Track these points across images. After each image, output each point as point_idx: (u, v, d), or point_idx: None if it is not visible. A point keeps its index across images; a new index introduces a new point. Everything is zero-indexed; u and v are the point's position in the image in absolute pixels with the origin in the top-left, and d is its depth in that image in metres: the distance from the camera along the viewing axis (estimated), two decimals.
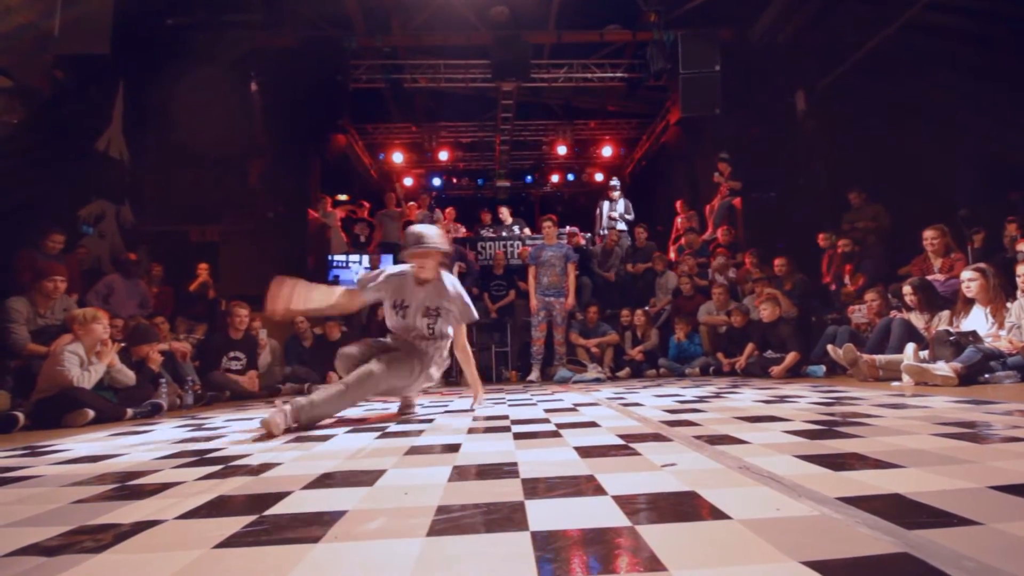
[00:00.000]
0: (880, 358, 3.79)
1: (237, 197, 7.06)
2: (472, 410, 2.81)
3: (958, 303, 3.68)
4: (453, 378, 5.85)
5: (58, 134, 5.65)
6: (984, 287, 3.49)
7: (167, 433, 2.53)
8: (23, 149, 5.19)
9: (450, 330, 2.79)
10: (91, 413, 3.09)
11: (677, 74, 7.34)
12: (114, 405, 3.30)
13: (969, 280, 3.54)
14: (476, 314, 2.82)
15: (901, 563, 0.71)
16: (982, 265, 3.61)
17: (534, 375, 5.61)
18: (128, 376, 3.50)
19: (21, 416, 2.97)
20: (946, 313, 3.84)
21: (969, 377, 3.12)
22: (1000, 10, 4.93)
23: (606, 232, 7.87)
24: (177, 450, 1.97)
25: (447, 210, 9.25)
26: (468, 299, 2.76)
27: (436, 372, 2.79)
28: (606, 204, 8.41)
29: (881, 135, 6.04)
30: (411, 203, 9.63)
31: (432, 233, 2.65)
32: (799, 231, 6.52)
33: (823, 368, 4.55)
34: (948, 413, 2.02)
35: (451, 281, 2.73)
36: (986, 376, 3.18)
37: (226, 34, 6.97)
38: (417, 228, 2.67)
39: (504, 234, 8.42)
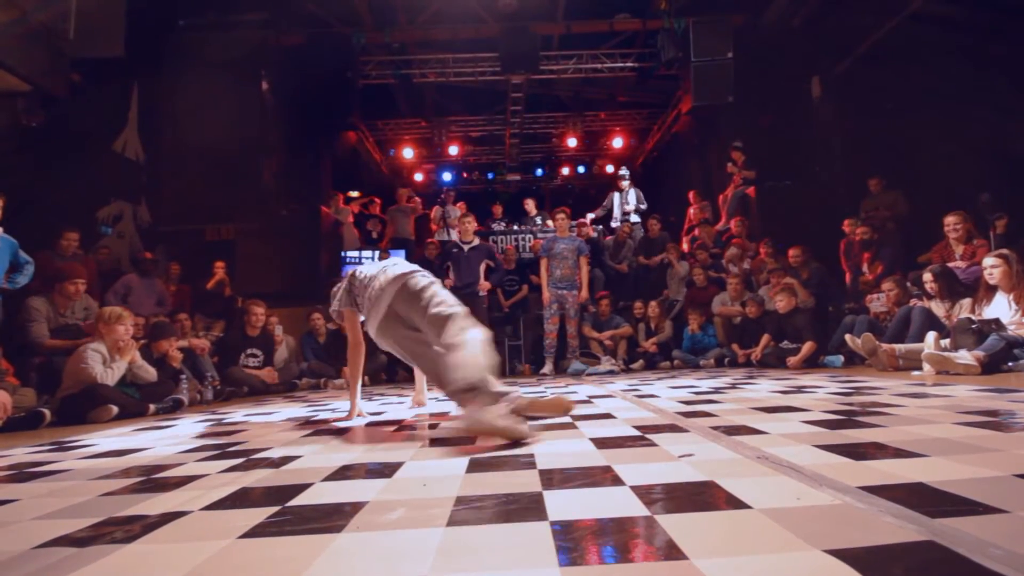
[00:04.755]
0: (900, 347, 3.73)
1: (251, 195, 7.12)
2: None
3: (980, 290, 3.60)
4: None
5: (76, 136, 5.75)
6: (1007, 273, 3.41)
7: (189, 428, 2.58)
8: (43, 152, 5.29)
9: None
10: (115, 409, 3.15)
11: (689, 62, 7.23)
12: (137, 401, 3.37)
13: (992, 267, 3.46)
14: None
15: (926, 551, 0.70)
16: (1005, 251, 3.52)
17: (547, 368, 5.61)
18: (150, 372, 3.57)
19: (47, 413, 3.04)
20: (967, 301, 3.76)
21: (992, 365, 3.06)
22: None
23: (620, 224, 7.82)
24: (199, 444, 2.01)
25: (459, 204, 9.25)
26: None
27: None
28: (616, 196, 8.34)
29: (899, 121, 5.91)
30: (415, 198, 9.62)
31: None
32: (815, 219, 6.42)
33: (841, 358, 4.50)
34: (971, 402, 1.98)
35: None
36: (1009, 364, 3.12)
37: (236, 33, 7.03)
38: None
39: (530, 226, 8.42)
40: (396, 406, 3.08)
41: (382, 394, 4.03)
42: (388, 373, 5.67)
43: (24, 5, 4.37)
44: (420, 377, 2.90)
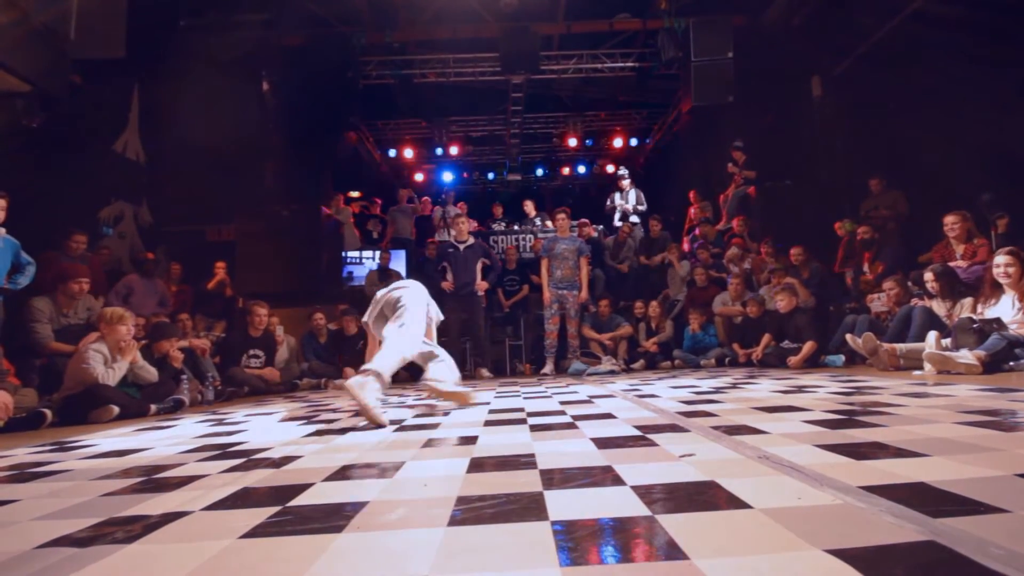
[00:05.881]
0: (901, 347, 3.72)
1: (252, 196, 7.13)
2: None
3: (986, 288, 3.57)
4: (468, 371, 5.88)
5: (76, 137, 5.75)
6: (1020, 272, 3.38)
7: (190, 428, 2.58)
8: (43, 153, 5.29)
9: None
10: (116, 409, 3.16)
11: (689, 62, 7.23)
12: (138, 401, 3.37)
13: (1006, 265, 3.38)
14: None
15: (927, 551, 0.70)
16: (1016, 249, 3.48)
17: (548, 368, 5.61)
18: (151, 373, 3.57)
19: (48, 413, 3.05)
20: (968, 300, 3.76)
21: (993, 365, 3.05)
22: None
23: (621, 224, 7.82)
24: (200, 444, 2.01)
25: (459, 204, 9.26)
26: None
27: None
28: (617, 195, 8.34)
29: (899, 120, 5.90)
30: (425, 197, 9.69)
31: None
32: (816, 219, 6.42)
33: (842, 358, 4.49)
34: (972, 401, 1.98)
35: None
36: (1011, 364, 3.11)
37: (237, 34, 7.03)
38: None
39: (529, 228, 8.42)
40: (396, 408, 3.08)
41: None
42: None
43: (25, 6, 4.37)
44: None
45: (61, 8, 4.75)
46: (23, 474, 1.62)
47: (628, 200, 8.21)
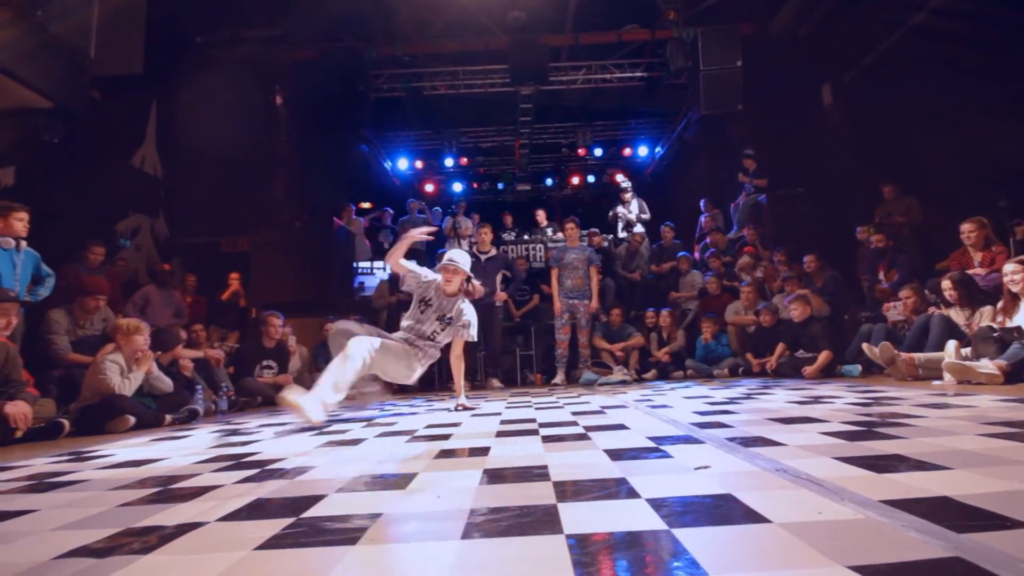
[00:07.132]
0: (919, 356, 3.66)
1: (265, 208, 7.23)
2: (454, 410, 3.24)
3: (1004, 299, 3.51)
4: (479, 381, 5.87)
5: (95, 152, 5.88)
6: None
7: (204, 438, 2.60)
8: (63, 167, 5.42)
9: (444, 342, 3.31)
10: (132, 419, 3.19)
11: (698, 71, 7.23)
12: (153, 411, 3.41)
13: (1013, 273, 3.36)
14: (475, 337, 3.31)
15: (953, 567, 0.69)
16: None
17: (559, 378, 5.58)
18: (166, 383, 3.61)
19: (66, 423, 3.09)
20: (988, 308, 3.68)
21: (1015, 375, 2.99)
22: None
23: (627, 235, 7.81)
24: (215, 454, 2.02)
25: (472, 216, 9.30)
26: (475, 324, 3.25)
27: (417, 371, 3.23)
28: (620, 207, 8.35)
29: (912, 127, 5.84)
30: (436, 208, 9.73)
31: (462, 259, 3.26)
32: (828, 226, 6.35)
33: (858, 368, 4.42)
34: (994, 412, 1.94)
35: (468, 306, 3.25)
36: None
37: (251, 49, 7.18)
38: (450, 253, 3.30)
39: (539, 237, 8.44)
40: (408, 417, 3.08)
41: (394, 404, 4.03)
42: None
43: (46, 24, 4.49)
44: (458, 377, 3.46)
45: (81, 26, 4.87)
46: (41, 484, 1.64)
47: (631, 210, 8.20)
